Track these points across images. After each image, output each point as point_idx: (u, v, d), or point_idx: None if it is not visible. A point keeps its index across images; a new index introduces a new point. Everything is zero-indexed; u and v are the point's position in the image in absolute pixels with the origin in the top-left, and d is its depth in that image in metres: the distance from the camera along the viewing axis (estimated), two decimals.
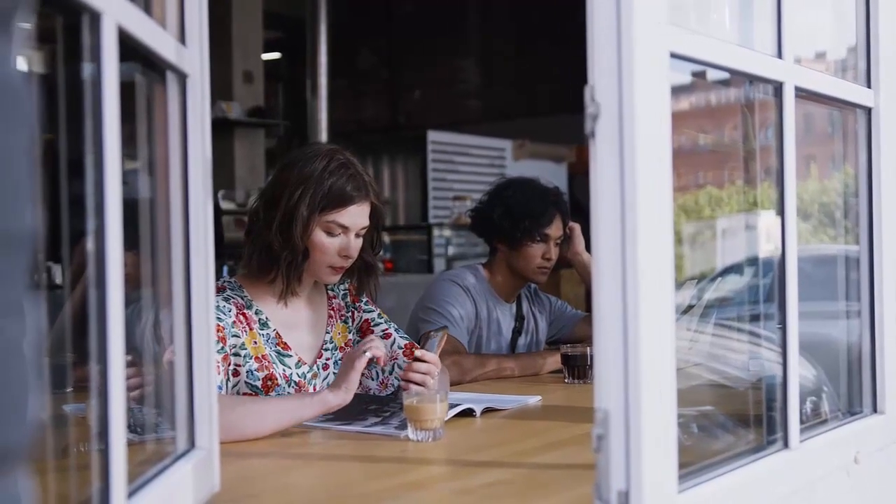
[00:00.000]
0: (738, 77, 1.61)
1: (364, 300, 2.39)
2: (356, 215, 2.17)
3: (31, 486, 0.59)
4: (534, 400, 2.33)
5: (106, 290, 0.98)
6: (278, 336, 2.20)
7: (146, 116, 1.31)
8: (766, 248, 1.99)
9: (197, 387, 1.36)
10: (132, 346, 1.14)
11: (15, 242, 0.54)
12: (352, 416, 2.00)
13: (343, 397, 1.92)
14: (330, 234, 2.16)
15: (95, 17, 0.97)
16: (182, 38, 1.33)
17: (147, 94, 1.29)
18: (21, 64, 0.57)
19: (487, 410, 2.16)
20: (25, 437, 0.56)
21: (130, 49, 1.09)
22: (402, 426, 1.90)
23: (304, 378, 2.21)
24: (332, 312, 2.34)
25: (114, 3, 1.00)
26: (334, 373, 2.27)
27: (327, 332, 2.31)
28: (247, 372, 2.12)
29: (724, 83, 1.75)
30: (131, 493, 1.07)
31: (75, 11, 0.96)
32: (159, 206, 1.33)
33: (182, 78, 1.32)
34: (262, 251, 2.17)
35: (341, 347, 2.32)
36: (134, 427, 1.29)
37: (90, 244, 0.98)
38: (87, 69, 0.99)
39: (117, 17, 1.01)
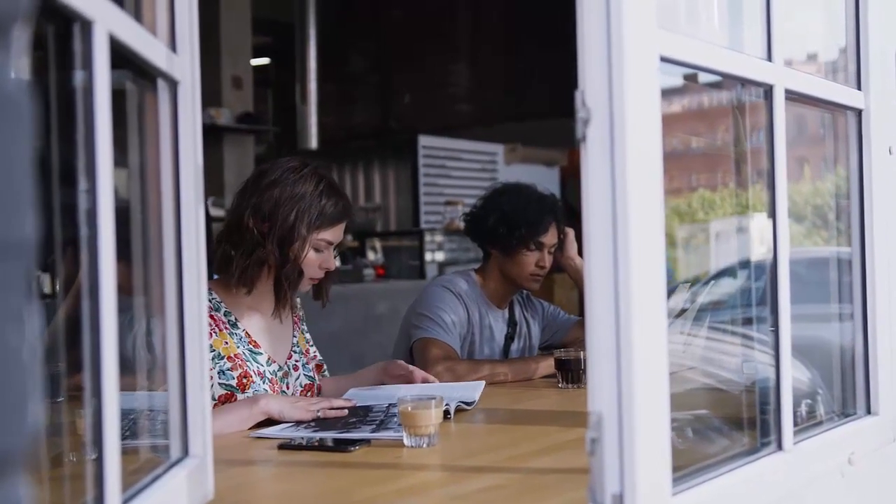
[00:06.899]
0: (729, 80, 1.62)
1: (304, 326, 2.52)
2: (341, 232, 2.33)
3: (30, 491, 0.59)
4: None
5: (99, 298, 0.98)
6: (248, 335, 2.28)
7: (136, 124, 1.30)
8: (759, 250, 1.99)
9: (190, 395, 1.35)
10: (124, 356, 1.14)
11: (15, 250, 0.54)
12: (348, 427, 1.99)
13: (272, 408, 2.06)
14: (317, 250, 2.28)
15: (87, 25, 0.97)
16: (173, 46, 1.32)
17: (138, 102, 1.29)
18: (19, 73, 0.57)
19: (461, 410, 2.18)
20: (25, 443, 0.56)
21: (120, 56, 1.09)
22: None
23: (276, 376, 2.31)
24: (296, 319, 2.46)
25: (105, 11, 1.00)
26: (304, 374, 2.40)
27: (294, 336, 2.43)
28: (219, 373, 2.19)
29: (715, 86, 1.76)
30: (125, 501, 1.06)
31: (66, 19, 0.96)
32: (150, 214, 1.33)
33: (173, 85, 1.32)
34: (255, 265, 2.24)
35: (304, 352, 2.44)
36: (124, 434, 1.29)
37: (83, 253, 0.98)
38: (78, 76, 0.99)
39: (109, 25, 1.01)
